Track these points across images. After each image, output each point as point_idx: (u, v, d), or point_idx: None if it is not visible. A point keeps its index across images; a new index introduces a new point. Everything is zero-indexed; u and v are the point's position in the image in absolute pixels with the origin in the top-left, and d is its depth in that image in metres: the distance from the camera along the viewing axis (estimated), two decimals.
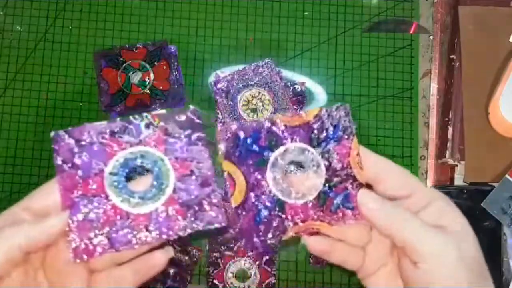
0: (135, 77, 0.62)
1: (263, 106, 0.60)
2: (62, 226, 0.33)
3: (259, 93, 0.60)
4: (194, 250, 0.59)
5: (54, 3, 0.64)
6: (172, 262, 0.58)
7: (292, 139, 0.33)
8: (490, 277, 0.32)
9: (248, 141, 0.33)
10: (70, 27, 0.64)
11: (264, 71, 0.61)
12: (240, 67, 0.61)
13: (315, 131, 0.33)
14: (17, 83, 0.62)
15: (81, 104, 0.63)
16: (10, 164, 0.61)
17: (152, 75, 0.61)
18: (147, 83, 0.61)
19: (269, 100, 0.61)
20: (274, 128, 0.33)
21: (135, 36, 0.64)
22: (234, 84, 0.60)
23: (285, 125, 0.33)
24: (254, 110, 0.60)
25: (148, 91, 0.61)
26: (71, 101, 0.62)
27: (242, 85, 0.60)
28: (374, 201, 0.32)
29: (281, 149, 0.33)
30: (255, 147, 0.33)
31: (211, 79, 0.62)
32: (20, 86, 0.62)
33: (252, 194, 0.32)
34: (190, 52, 0.64)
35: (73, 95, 0.63)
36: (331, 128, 0.33)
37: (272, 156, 0.32)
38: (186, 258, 0.59)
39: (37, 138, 0.62)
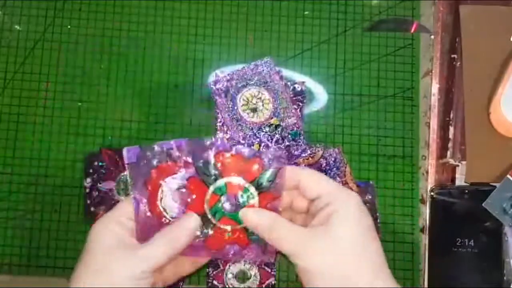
0: (228, 205, 0.43)
1: (263, 105, 0.60)
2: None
3: (259, 92, 0.60)
4: None
5: (53, 3, 0.64)
6: None
7: None
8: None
9: None
10: (69, 27, 0.63)
11: (263, 70, 0.60)
12: (240, 66, 0.61)
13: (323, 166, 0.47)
14: (15, 82, 0.62)
15: (80, 104, 0.62)
16: (9, 164, 0.61)
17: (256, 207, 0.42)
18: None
19: (269, 99, 0.60)
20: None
21: (134, 35, 0.63)
22: (234, 83, 0.60)
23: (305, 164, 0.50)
24: (254, 110, 0.60)
25: (244, 228, 0.43)
26: (70, 101, 0.62)
27: (242, 85, 0.60)
28: (253, 213, 0.41)
29: None
30: None
31: (211, 79, 0.62)
32: (19, 86, 0.62)
33: None
34: (190, 52, 0.63)
35: (72, 95, 0.62)
36: (331, 162, 0.49)
37: None
38: None
39: (36, 138, 0.61)
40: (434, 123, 0.63)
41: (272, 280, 0.59)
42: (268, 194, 0.42)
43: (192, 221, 0.41)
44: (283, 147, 0.60)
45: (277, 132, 0.60)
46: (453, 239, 0.59)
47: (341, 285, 0.34)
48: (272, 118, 0.59)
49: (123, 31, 0.64)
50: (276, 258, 0.59)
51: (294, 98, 0.61)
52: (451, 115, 0.62)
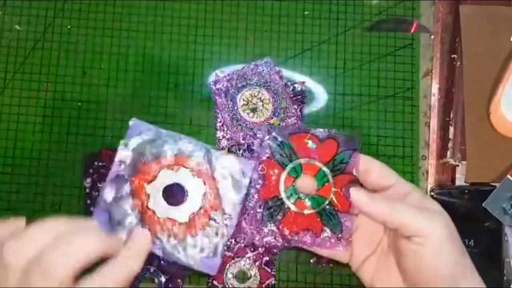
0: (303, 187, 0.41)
1: (262, 105, 0.60)
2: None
3: (259, 92, 0.60)
4: None
5: (53, 3, 0.64)
6: (163, 271, 0.58)
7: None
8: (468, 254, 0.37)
9: None
10: (69, 27, 0.63)
11: (263, 70, 0.60)
12: (239, 66, 0.61)
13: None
14: (16, 82, 0.62)
15: (80, 104, 0.62)
16: (8, 164, 0.61)
17: (332, 191, 0.41)
18: (324, 200, 0.41)
19: (268, 99, 0.60)
20: None
21: (134, 35, 0.63)
22: (234, 83, 0.60)
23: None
24: (254, 110, 0.60)
25: (321, 213, 0.40)
26: (70, 101, 0.62)
27: (242, 85, 0.60)
28: (365, 195, 0.38)
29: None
30: None
31: (211, 79, 0.62)
32: (19, 86, 0.62)
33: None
34: (190, 52, 0.63)
35: (72, 95, 0.62)
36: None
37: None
38: (176, 264, 0.59)
39: (36, 138, 0.61)
40: (434, 123, 0.63)
41: (272, 280, 0.59)
42: (343, 176, 0.40)
43: (137, 260, 0.38)
44: None
45: None
46: None
47: (451, 247, 0.36)
48: (272, 118, 0.59)
49: (123, 31, 0.64)
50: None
51: (294, 98, 0.61)
52: (451, 115, 0.62)
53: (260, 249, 0.59)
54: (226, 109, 0.60)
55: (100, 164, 0.60)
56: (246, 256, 0.59)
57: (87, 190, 0.60)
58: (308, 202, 0.40)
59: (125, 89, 0.63)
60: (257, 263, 0.59)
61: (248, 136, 0.59)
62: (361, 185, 0.40)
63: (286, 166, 0.41)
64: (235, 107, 0.60)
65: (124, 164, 0.41)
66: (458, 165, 0.62)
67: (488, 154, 0.60)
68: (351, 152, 0.40)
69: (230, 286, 0.59)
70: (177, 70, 0.63)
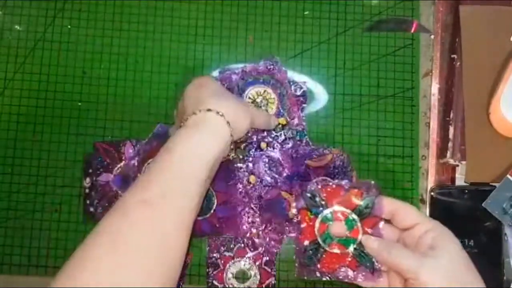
0: (336, 232, 0.48)
1: (267, 104, 0.60)
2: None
3: (265, 91, 0.60)
4: None
5: (53, 3, 0.64)
6: None
7: (317, 175, 0.57)
8: (480, 282, 0.42)
9: None
10: (69, 27, 0.63)
11: (272, 68, 0.61)
12: (247, 64, 0.62)
13: (331, 169, 0.54)
14: (16, 82, 0.62)
15: (80, 103, 0.62)
16: (9, 164, 0.61)
17: (360, 232, 0.47)
18: (354, 241, 0.47)
19: (274, 98, 0.60)
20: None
21: (134, 35, 0.63)
22: (241, 78, 0.60)
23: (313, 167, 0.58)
24: (258, 108, 0.60)
25: (353, 252, 0.47)
26: (70, 101, 0.62)
27: (249, 81, 0.60)
28: (374, 241, 0.45)
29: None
30: None
31: (216, 74, 0.62)
32: (19, 86, 0.62)
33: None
34: (190, 52, 0.63)
35: (72, 95, 0.62)
36: (339, 166, 0.55)
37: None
38: None
39: (36, 138, 0.61)
40: (434, 123, 0.63)
41: (272, 280, 0.59)
42: (369, 220, 0.47)
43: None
44: (290, 147, 0.60)
45: (284, 132, 0.60)
46: None
47: None
48: (277, 117, 0.60)
49: (123, 31, 0.64)
50: (278, 254, 0.59)
51: (296, 99, 0.61)
52: (451, 115, 0.62)
53: (260, 248, 0.59)
54: None
55: (98, 159, 0.60)
56: (246, 256, 0.59)
57: (87, 190, 0.60)
58: (340, 243, 0.47)
59: (125, 89, 0.63)
60: (257, 263, 0.59)
61: (257, 133, 0.59)
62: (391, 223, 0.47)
63: (318, 215, 0.48)
64: None
65: None
66: (458, 165, 0.62)
67: (488, 154, 0.60)
68: (374, 198, 0.47)
69: (230, 286, 0.59)
70: (177, 70, 0.63)
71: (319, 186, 0.48)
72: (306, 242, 0.48)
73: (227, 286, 0.59)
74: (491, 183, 0.60)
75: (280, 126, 0.60)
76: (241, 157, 0.59)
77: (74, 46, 0.63)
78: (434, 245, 0.42)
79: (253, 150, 0.60)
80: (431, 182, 0.62)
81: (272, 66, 0.61)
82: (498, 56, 0.62)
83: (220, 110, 0.46)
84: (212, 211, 0.59)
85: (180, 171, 0.43)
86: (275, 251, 0.59)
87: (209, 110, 0.46)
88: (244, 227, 0.58)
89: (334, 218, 0.48)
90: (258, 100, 0.59)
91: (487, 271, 0.58)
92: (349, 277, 0.47)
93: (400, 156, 0.62)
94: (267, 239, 0.57)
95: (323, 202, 0.48)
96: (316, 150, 0.59)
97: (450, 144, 0.62)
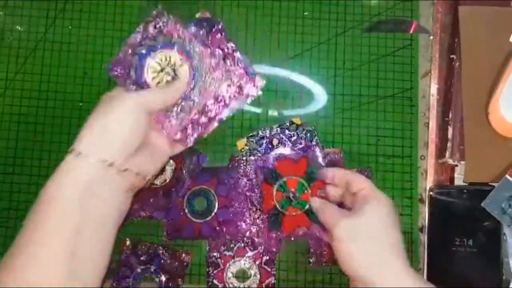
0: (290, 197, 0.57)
1: (175, 70, 0.50)
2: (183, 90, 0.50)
3: (167, 57, 0.50)
4: (183, 254, 0.59)
5: (54, 3, 0.64)
6: (163, 270, 0.59)
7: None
8: (399, 252, 0.47)
9: None
10: (70, 27, 0.64)
11: (164, 26, 0.51)
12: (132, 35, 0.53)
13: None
14: (17, 83, 0.62)
15: (81, 104, 0.63)
16: (10, 164, 0.61)
17: (310, 195, 0.56)
18: (305, 203, 0.56)
19: (180, 59, 0.50)
20: None
21: None
22: (131, 57, 0.51)
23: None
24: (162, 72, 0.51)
25: (305, 213, 0.56)
26: (71, 101, 0.62)
27: (142, 54, 0.50)
28: (316, 202, 0.54)
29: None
30: None
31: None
32: (20, 86, 0.62)
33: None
34: None
35: (73, 95, 0.63)
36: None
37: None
38: (176, 263, 0.59)
39: (37, 138, 0.62)
40: (433, 123, 0.63)
41: (272, 280, 0.59)
42: (317, 184, 0.56)
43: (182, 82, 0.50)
44: (301, 148, 0.60)
45: (298, 131, 0.60)
46: (452, 238, 0.59)
47: (362, 249, 0.46)
48: (193, 80, 0.50)
49: (124, 31, 0.64)
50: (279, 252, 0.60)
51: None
52: (450, 115, 0.62)
53: (260, 248, 0.59)
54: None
55: None
56: (246, 255, 0.59)
57: None
58: (295, 207, 0.56)
59: None
60: (257, 262, 0.59)
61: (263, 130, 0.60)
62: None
63: (275, 185, 0.57)
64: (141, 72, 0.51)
65: None
66: (457, 165, 0.62)
67: (487, 154, 0.61)
68: (319, 164, 0.57)
69: (230, 285, 0.59)
70: None
71: (275, 162, 0.58)
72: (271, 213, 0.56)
73: (227, 285, 0.59)
74: (490, 183, 0.60)
75: (295, 125, 0.60)
76: (250, 149, 0.60)
77: (75, 47, 0.63)
78: (357, 207, 0.48)
79: (265, 144, 0.60)
80: (430, 182, 0.62)
81: (161, 24, 0.51)
82: (497, 56, 0.62)
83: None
84: (213, 214, 0.59)
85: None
86: (275, 250, 0.59)
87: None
88: (244, 226, 0.58)
89: (288, 186, 0.56)
90: (168, 70, 0.50)
91: (486, 271, 0.58)
92: (307, 234, 0.55)
93: (399, 156, 0.62)
94: (267, 238, 0.58)
95: (277, 174, 0.57)
96: (327, 156, 0.60)
97: (449, 144, 0.62)
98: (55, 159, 0.61)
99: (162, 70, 0.50)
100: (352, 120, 0.63)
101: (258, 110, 0.62)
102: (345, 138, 0.62)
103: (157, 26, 0.51)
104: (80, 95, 0.63)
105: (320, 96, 0.63)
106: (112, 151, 0.43)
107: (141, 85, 0.50)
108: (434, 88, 0.64)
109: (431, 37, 0.65)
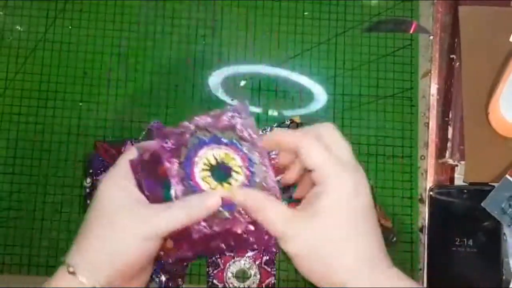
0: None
1: (232, 173, 0.39)
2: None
3: (226, 154, 0.39)
4: None
5: (54, 3, 0.64)
6: (163, 270, 0.59)
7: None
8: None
9: None
10: (70, 27, 0.64)
11: (235, 118, 0.41)
12: (203, 116, 0.40)
13: None
14: (17, 83, 0.62)
15: (81, 104, 0.63)
16: (10, 164, 0.61)
17: None
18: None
19: (238, 164, 0.39)
20: None
21: (134, 36, 0.64)
22: (189, 137, 0.40)
23: None
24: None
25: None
26: (71, 101, 0.62)
27: (202, 141, 0.40)
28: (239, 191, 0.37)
29: None
30: None
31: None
32: (20, 86, 0.62)
33: None
34: (190, 52, 0.64)
35: (73, 95, 0.63)
36: None
37: None
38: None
39: (37, 138, 0.62)
40: (433, 123, 0.63)
41: (272, 280, 0.59)
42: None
43: (213, 197, 0.36)
44: None
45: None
46: (452, 238, 0.59)
47: (322, 270, 0.33)
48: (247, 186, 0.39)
49: (124, 31, 0.64)
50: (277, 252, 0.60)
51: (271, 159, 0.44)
52: (450, 115, 0.62)
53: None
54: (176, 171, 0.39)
55: (99, 160, 0.60)
56: (246, 255, 0.59)
57: (87, 190, 0.60)
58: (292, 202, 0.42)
59: (125, 89, 0.63)
60: (257, 262, 0.59)
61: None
62: None
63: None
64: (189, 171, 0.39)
65: None
66: (457, 165, 0.62)
67: (487, 154, 0.61)
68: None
69: (230, 285, 0.59)
70: (177, 70, 0.63)
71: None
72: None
73: (227, 285, 0.59)
74: (490, 183, 0.60)
75: (295, 124, 0.60)
76: None
77: (75, 47, 0.63)
78: (309, 198, 0.34)
79: None
80: (430, 182, 0.62)
81: (232, 116, 0.41)
82: (497, 56, 0.62)
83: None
84: None
85: None
86: (275, 250, 0.59)
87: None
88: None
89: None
90: (219, 168, 0.40)
91: (486, 271, 0.58)
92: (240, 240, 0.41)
93: (399, 156, 0.62)
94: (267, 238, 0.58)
95: None
96: None
97: (449, 144, 0.62)
98: (55, 159, 0.61)
99: (211, 166, 0.40)
100: (352, 120, 0.63)
101: (258, 110, 0.63)
102: (345, 138, 0.62)
103: (233, 120, 0.41)
104: (80, 95, 0.63)
105: (320, 96, 0.63)
106: (109, 276, 0.35)
107: (184, 169, 0.39)
108: (434, 88, 0.64)
109: (431, 37, 0.65)
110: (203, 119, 0.40)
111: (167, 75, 0.63)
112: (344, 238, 0.33)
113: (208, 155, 0.40)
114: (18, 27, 0.63)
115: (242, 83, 0.63)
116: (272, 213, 0.34)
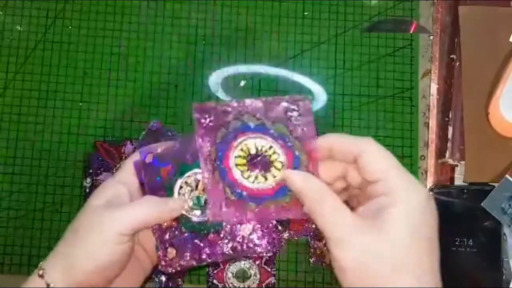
0: None
1: (268, 169, 0.36)
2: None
3: (271, 147, 0.36)
4: None
5: (54, 3, 0.64)
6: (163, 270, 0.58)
7: None
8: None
9: None
10: (70, 27, 0.64)
11: (293, 112, 0.36)
12: (261, 98, 0.36)
13: None
14: (17, 83, 0.62)
15: (81, 104, 0.63)
16: (10, 164, 0.61)
17: None
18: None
19: (280, 161, 0.36)
20: None
21: (134, 36, 0.64)
22: (232, 119, 0.36)
23: None
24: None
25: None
26: (71, 101, 0.62)
27: (246, 126, 0.36)
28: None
29: None
30: None
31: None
32: (20, 86, 0.62)
33: None
34: (190, 52, 0.64)
35: (73, 95, 0.63)
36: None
37: None
38: None
39: (37, 138, 0.62)
40: (433, 123, 0.63)
41: (272, 279, 0.59)
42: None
43: (178, 201, 0.37)
44: None
45: None
46: (452, 238, 0.59)
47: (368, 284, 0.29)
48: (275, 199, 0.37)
49: (124, 31, 0.64)
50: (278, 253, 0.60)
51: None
52: (450, 115, 0.62)
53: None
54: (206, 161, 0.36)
55: (99, 160, 0.60)
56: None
57: (87, 190, 0.60)
58: None
59: (125, 89, 0.63)
60: (257, 262, 0.59)
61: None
62: None
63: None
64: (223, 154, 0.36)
65: None
66: (457, 165, 0.62)
67: (487, 154, 0.61)
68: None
69: (230, 285, 0.59)
70: (177, 70, 0.63)
71: None
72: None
73: (227, 285, 0.59)
74: (490, 183, 0.60)
75: None
76: None
77: (75, 47, 0.63)
78: (374, 211, 0.30)
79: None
80: (430, 182, 0.62)
81: (289, 108, 0.36)
82: (497, 56, 0.62)
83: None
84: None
85: None
86: (275, 250, 0.59)
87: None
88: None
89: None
90: (258, 158, 0.36)
91: (486, 270, 0.58)
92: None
93: (400, 156, 0.62)
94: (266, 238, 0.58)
95: None
96: None
97: (449, 144, 0.62)
98: (55, 159, 0.61)
99: (249, 155, 0.36)
100: (352, 120, 0.63)
101: None
102: None
103: (289, 113, 0.37)
104: (80, 95, 0.63)
105: (320, 96, 0.63)
106: (82, 279, 0.34)
107: (218, 150, 0.37)
108: (434, 88, 0.64)
109: (431, 37, 0.65)
110: (254, 103, 0.36)
111: (167, 75, 0.63)
112: (405, 260, 0.29)
113: (249, 142, 0.36)
114: (18, 27, 0.64)
115: (242, 83, 0.63)
116: (332, 214, 0.31)
